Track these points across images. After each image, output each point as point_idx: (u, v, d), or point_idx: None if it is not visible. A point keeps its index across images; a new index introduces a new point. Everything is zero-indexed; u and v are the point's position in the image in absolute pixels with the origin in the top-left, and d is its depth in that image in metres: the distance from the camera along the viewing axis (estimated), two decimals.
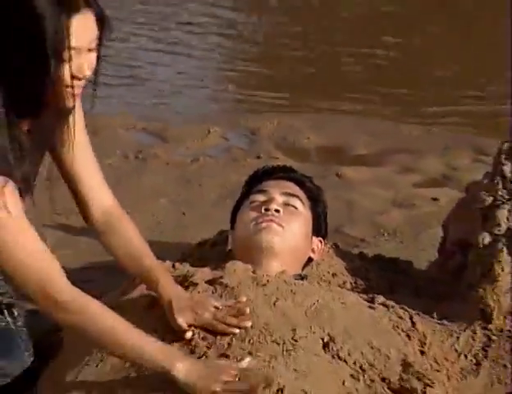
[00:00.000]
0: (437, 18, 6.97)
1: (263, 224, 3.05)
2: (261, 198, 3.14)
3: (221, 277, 2.88)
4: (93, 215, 3.00)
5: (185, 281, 2.91)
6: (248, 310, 2.73)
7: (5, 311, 3.01)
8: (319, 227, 3.22)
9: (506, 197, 2.97)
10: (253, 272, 2.93)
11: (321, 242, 3.22)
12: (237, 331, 2.70)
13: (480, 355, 2.86)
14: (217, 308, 2.81)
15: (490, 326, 2.87)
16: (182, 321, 2.73)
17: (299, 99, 4.67)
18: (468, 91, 4.81)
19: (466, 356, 2.87)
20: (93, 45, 2.67)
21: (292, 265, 3.07)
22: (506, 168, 2.99)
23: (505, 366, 2.83)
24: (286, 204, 3.11)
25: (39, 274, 2.68)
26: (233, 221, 3.25)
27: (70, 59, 2.61)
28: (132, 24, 6.38)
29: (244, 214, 3.15)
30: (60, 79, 2.65)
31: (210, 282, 2.87)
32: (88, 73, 2.66)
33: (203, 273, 2.95)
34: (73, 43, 2.60)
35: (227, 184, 3.30)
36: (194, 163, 4.01)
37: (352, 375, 2.63)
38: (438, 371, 2.78)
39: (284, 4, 6.91)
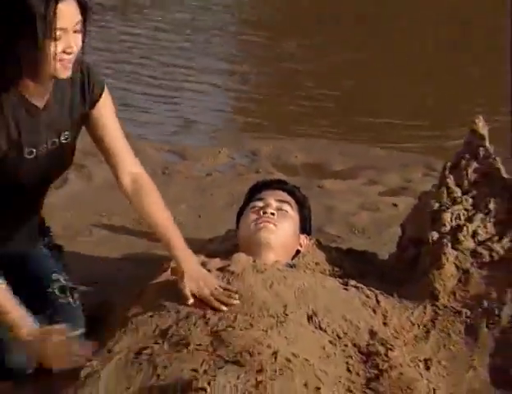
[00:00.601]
0: (391, 55, 6.71)
1: (261, 224, 3.09)
2: (259, 204, 3.16)
3: (229, 265, 2.93)
4: (122, 181, 2.98)
5: None
6: (237, 296, 2.74)
7: (68, 293, 3.02)
8: (305, 227, 3.28)
9: (449, 203, 3.02)
10: (254, 261, 2.97)
11: (306, 238, 3.27)
12: (225, 308, 2.71)
13: (429, 325, 2.91)
14: (216, 287, 2.80)
15: (437, 303, 2.92)
16: (187, 290, 2.75)
17: (290, 128, 4.70)
18: (419, 120, 4.82)
19: (419, 326, 2.91)
20: (78, 27, 2.68)
21: (284, 256, 3.13)
22: (449, 181, 3.05)
23: (448, 334, 2.88)
24: (279, 209, 3.14)
25: None
26: (238, 222, 3.27)
27: (59, 38, 2.62)
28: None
29: (246, 217, 3.18)
30: (53, 53, 2.65)
31: (220, 269, 2.92)
32: (75, 49, 2.69)
33: (214, 262, 2.99)
34: (60, 24, 2.61)
35: (233, 193, 3.28)
36: (208, 177, 4.04)
37: (330, 342, 2.70)
38: (397, 338, 2.84)
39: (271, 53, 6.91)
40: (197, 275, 2.81)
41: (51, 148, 2.89)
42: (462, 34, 7.30)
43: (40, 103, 2.84)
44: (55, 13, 2.63)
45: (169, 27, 7.29)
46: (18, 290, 2.88)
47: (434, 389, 2.65)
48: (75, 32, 2.69)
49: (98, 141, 3.00)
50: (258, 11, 7.95)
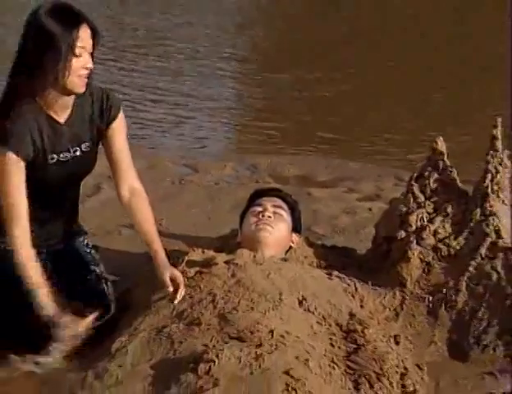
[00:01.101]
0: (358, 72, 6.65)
1: (260, 226, 3.11)
2: (259, 208, 3.17)
3: (234, 259, 2.93)
4: (121, 191, 2.97)
5: (210, 261, 2.93)
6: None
7: (102, 281, 3.02)
8: (296, 226, 3.29)
9: (415, 207, 3.02)
10: (254, 256, 2.98)
11: (297, 236, 3.28)
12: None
13: (398, 308, 2.93)
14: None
15: (405, 290, 2.93)
16: (166, 277, 2.77)
17: (283, 146, 4.69)
18: (391, 139, 4.79)
19: (389, 309, 2.93)
20: (91, 49, 2.74)
21: (278, 251, 3.14)
22: (415, 189, 3.04)
23: (414, 315, 2.90)
24: (275, 213, 3.15)
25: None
26: (241, 223, 3.26)
27: (80, 55, 2.67)
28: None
29: (247, 219, 3.19)
30: (74, 68, 2.69)
31: (226, 262, 2.90)
32: (91, 66, 2.72)
33: (221, 256, 2.99)
34: (80, 44, 2.67)
35: (237, 199, 3.22)
36: (216, 186, 4.01)
37: (318, 322, 2.72)
38: (372, 318, 2.85)
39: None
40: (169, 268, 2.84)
41: (74, 155, 2.88)
42: (431, 60, 7.17)
43: (62, 119, 2.84)
44: (77, 35, 2.69)
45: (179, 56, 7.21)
46: (61, 278, 2.91)
47: (402, 360, 2.65)
48: (89, 53, 2.74)
49: (108, 154, 2.99)
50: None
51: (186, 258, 3.02)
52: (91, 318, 2.73)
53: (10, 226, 2.75)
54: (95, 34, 2.75)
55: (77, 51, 2.70)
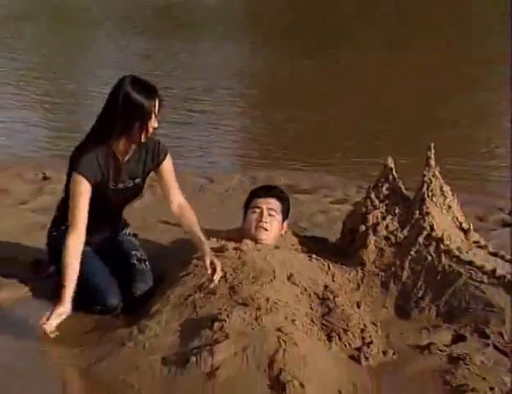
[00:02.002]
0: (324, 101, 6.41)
1: (260, 228, 3.01)
2: (257, 210, 3.05)
3: (240, 246, 2.91)
4: (172, 208, 2.95)
5: (222, 248, 2.92)
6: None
7: (142, 262, 3.01)
8: (285, 215, 3.13)
9: (372, 208, 3.00)
10: (254, 244, 2.95)
11: (286, 225, 3.14)
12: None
13: (359, 282, 2.91)
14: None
15: (364, 268, 2.92)
16: (207, 262, 2.69)
17: (276, 162, 4.67)
18: (356, 159, 4.74)
19: (353, 282, 2.92)
20: (156, 112, 2.77)
21: (272, 241, 3.05)
22: (372, 195, 3.03)
23: (371, 287, 2.89)
24: (270, 215, 3.03)
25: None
26: (244, 219, 3.13)
27: (154, 118, 2.75)
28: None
29: (249, 216, 3.07)
30: (147, 128, 2.75)
31: (234, 248, 2.89)
32: (156, 126, 2.77)
33: (230, 244, 2.95)
34: (153, 108, 2.74)
35: (241, 202, 3.17)
36: (226, 192, 3.97)
37: (301, 292, 2.73)
38: (340, 289, 2.83)
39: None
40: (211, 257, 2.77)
41: (128, 185, 2.91)
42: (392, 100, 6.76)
43: (123, 159, 2.86)
44: (155, 105, 2.75)
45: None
46: (109, 262, 2.96)
47: (362, 319, 2.67)
48: (156, 116, 2.79)
49: (160, 182, 3.00)
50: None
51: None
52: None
53: (70, 228, 2.75)
54: (161, 101, 2.79)
55: (153, 117, 2.74)
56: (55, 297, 2.78)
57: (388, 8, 10.33)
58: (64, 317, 2.60)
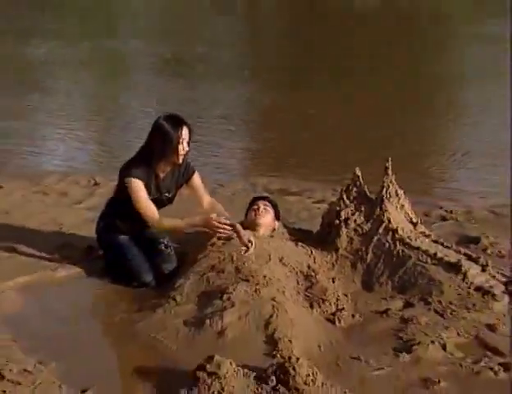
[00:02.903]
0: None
1: (257, 216, 2.97)
2: (255, 207, 3.01)
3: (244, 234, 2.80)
4: (205, 206, 2.94)
5: (229, 237, 2.81)
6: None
7: (168, 248, 2.96)
8: (277, 217, 3.12)
9: (344, 207, 2.94)
10: (254, 234, 2.86)
11: (278, 222, 3.11)
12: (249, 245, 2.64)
13: (334, 263, 2.86)
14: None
15: (338, 253, 2.87)
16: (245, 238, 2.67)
17: (271, 173, 4.58)
18: (332, 168, 4.61)
19: (330, 263, 2.86)
20: (188, 139, 2.76)
21: (267, 231, 2.99)
22: (344, 197, 2.96)
23: (344, 267, 2.84)
24: (265, 209, 3.00)
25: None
26: (246, 214, 3.06)
27: (182, 144, 2.73)
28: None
29: (250, 212, 3.02)
30: (179, 151, 2.74)
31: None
32: (187, 149, 2.76)
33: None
34: (182, 138, 2.73)
35: (245, 203, 3.12)
36: (233, 195, 3.93)
37: (289, 270, 2.70)
38: (319, 269, 2.74)
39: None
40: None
41: (163, 197, 2.88)
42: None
43: (161, 176, 2.85)
44: (181, 133, 2.75)
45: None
46: (144, 248, 2.93)
47: (336, 291, 2.65)
48: (187, 141, 2.79)
49: (192, 191, 3.00)
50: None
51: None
52: None
53: (151, 218, 2.76)
54: (190, 131, 2.77)
55: (180, 142, 2.75)
56: (103, 275, 2.87)
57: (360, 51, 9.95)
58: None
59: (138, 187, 2.73)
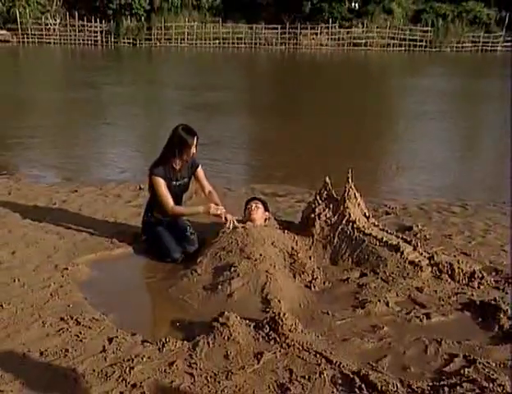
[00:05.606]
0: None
1: (252, 212, 2.88)
2: (249, 206, 2.93)
3: (245, 226, 2.77)
4: (205, 193, 2.87)
5: (236, 227, 2.73)
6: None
7: (193, 233, 2.90)
8: (266, 209, 2.98)
9: (317, 205, 2.88)
10: (253, 225, 2.79)
11: (268, 214, 3.03)
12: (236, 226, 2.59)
13: (311, 245, 2.77)
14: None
15: (313, 238, 2.71)
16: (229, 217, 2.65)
17: (266, 181, 4.43)
18: (309, 177, 4.41)
19: (307, 246, 2.77)
20: (196, 144, 2.70)
21: (262, 221, 2.89)
22: (317, 198, 2.91)
23: (317, 248, 2.74)
24: (256, 207, 2.91)
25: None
26: (244, 212, 2.96)
27: (192, 148, 2.68)
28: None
29: (246, 211, 2.93)
30: (190, 153, 2.70)
31: (242, 227, 2.73)
32: (195, 153, 2.71)
33: (240, 225, 2.76)
34: (193, 144, 2.68)
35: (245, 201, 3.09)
36: (237, 197, 3.82)
37: (279, 251, 2.59)
38: (300, 250, 2.72)
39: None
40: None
41: (180, 183, 2.82)
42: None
43: (177, 168, 2.79)
44: (193, 141, 2.72)
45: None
46: (174, 233, 2.87)
47: (312, 265, 2.61)
48: (195, 146, 2.76)
49: (197, 181, 2.91)
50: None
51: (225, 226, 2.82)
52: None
53: (167, 205, 2.69)
54: (198, 138, 2.74)
55: (192, 147, 2.73)
56: (146, 253, 2.84)
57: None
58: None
59: (159, 183, 2.71)
